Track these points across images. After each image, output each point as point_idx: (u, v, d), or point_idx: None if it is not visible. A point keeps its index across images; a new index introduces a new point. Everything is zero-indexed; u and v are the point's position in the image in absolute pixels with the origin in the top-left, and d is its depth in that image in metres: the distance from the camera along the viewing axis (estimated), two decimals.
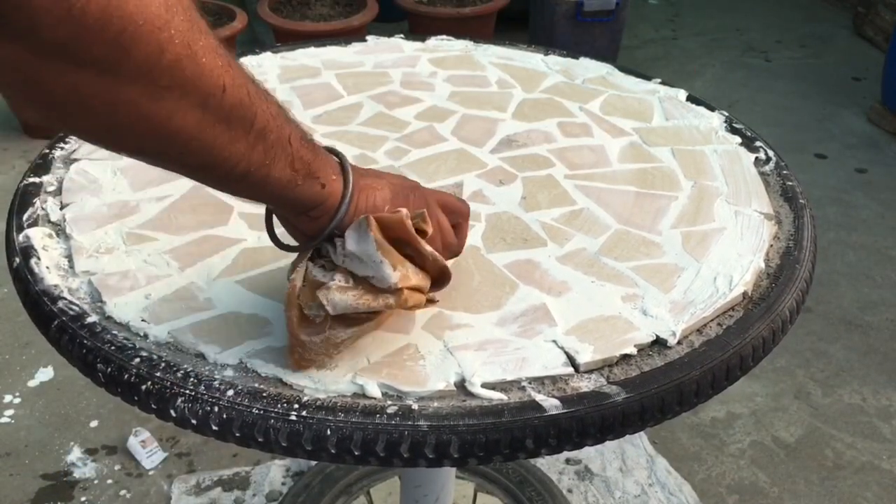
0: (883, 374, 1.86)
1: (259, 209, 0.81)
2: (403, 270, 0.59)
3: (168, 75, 0.44)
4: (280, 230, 0.63)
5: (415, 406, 0.59)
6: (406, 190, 0.63)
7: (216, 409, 0.59)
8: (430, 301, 0.64)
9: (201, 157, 0.50)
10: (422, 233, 0.61)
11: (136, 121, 0.45)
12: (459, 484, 1.39)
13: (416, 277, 0.60)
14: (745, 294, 0.71)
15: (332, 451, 0.57)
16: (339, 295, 0.58)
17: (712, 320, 0.69)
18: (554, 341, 0.65)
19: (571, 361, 0.63)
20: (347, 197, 0.58)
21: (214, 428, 0.59)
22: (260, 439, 0.58)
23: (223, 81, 0.47)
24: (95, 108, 0.44)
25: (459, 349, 0.64)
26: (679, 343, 0.66)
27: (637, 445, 1.61)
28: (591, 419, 0.59)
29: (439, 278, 0.64)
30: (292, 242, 0.63)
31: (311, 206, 0.58)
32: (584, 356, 0.63)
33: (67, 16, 0.39)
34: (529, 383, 0.61)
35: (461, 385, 0.61)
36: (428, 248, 0.61)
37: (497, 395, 0.60)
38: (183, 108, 0.46)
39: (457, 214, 0.68)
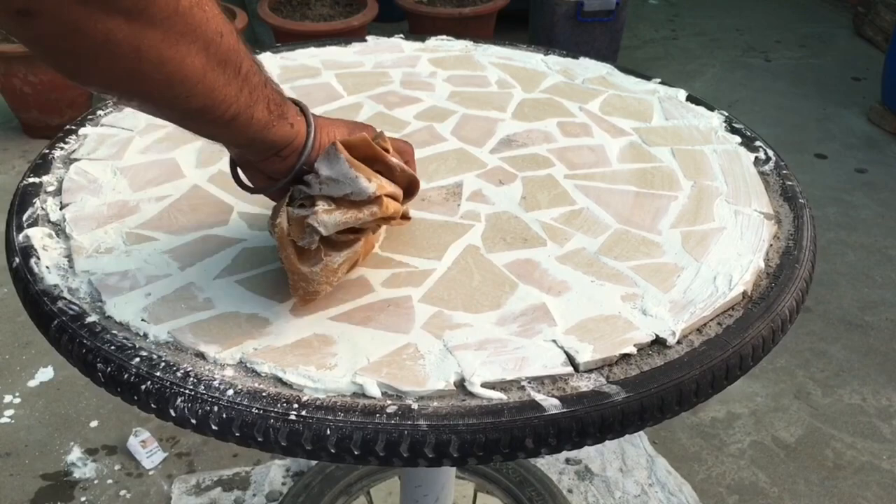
0: (883, 374, 1.86)
1: (259, 209, 0.81)
2: (377, 180, 0.64)
3: (182, 21, 0.50)
4: None
5: (414, 406, 0.59)
6: (359, 127, 0.69)
7: (216, 408, 0.59)
8: (405, 217, 0.71)
9: (202, 99, 0.54)
10: (383, 150, 0.67)
11: (156, 65, 0.50)
12: (459, 484, 1.39)
13: (390, 186, 0.66)
14: (744, 293, 0.71)
15: (332, 450, 0.57)
16: (327, 216, 0.62)
17: (712, 320, 0.68)
18: (553, 341, 0.65)
19: (571, 361, 0.63)
20: (312, 133, 0.63)
21: (214, 427, 0.59)
22: (259, 439, 0.58)
23: (221, 28, 0.53)
24: (123, 53, 0.48)
25: (459, 349, 0.64)
26: (679, 342, 0.66)
27: (637, 445, 1.61)
28: (590, 419, 0.59)
29: (409, 188, 0.70)
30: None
31: (283, 146, 0.62)
32: (584, 355, 0.63)
33: None
34: (529, 383, 0.61)
35: (461, 384, 0.61)
36: (394, 160, 0.67)
37: (497, 395, 0.60)
38: (193, 51, 0.51)
39: (404, 153, 0.73)
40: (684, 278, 0.73)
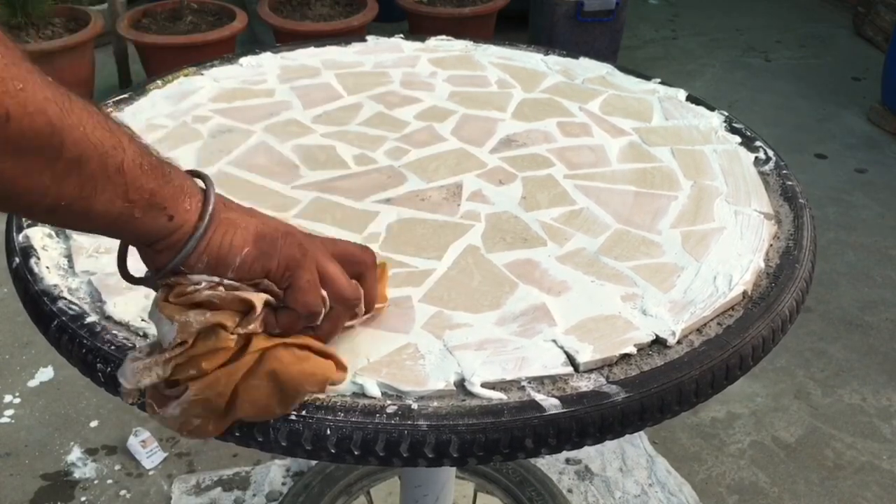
0: (883, 374, 1.86)
1: (259, 209, 0.81)
2: (182, 319, 0.53)
3: None
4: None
5: (414, 406, 0.59)
6: (276, 234, 0.56)
7: None
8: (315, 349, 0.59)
9: None
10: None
11: None
12: (459, 484, 1.39)
13: (200, 319, 0.54)
14: (744, 293, 0.71)
15: (332, 450, 0.57)
16: (131, 364, 0.55)
17: (712, 320, 0.68)
18: (553, 341, 0.65)
19: (571, 361, 0.63)
20: (200, 230, 0.52)
21: None
22: (259, 439, 0.58)
23: (6, 109, 0.42)
24: None
25: (459, 349, 0.64)
26: (679, 342, 0.66)
27: (637, 445, 1.61)
28: (590, 419, 0.59)
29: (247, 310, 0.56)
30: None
31: (154, 240, 0.52)
32: (584, 356, 0.63)
33: None
34: (529, 383, 0.61)
35: (461, 385, 0.61)
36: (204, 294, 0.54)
37: (496, 395, 0.60)
38: None
39: (357, 265, 0.62)
40: (684, 278, 0.73)
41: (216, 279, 0.54)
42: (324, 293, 0.58)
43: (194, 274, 0.53)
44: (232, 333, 0.54)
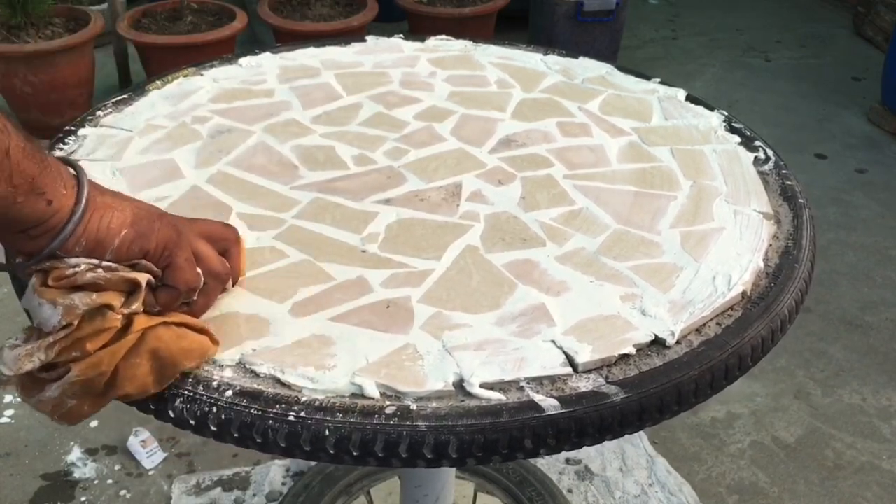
0: (883, 374, 1.86)
1: (260, 210, 0.81)
2: (66, 302, 0.54)
3: None
4: None
5: (413, 406, 0.59)
6: (151, 216, 0.58)
7: (214, 409, 0.59)
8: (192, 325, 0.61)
9: None
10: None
11: None
12: (459, 484, 1.39)
13: (115, 298, 0.56)
14: (743, 294, 0.71)
15: (331, 451, 0.57)
16: (9, 351, 0.54)
17: (711, 320, 0.68)
18: (552, 341, 0.65)
19: (570, 361, 0.63)
20: (78, 214, 0.53)
21: (213, 428, 0.59)
22: (258, 440, 0.58)
23: None
24: None
25: (458, 349, 0.64)
26: (678, 343, 0.65)
27: (637, 445, 1.61)
28: (589, 419, 0.59)
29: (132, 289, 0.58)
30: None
31: (32, 224, 0.53)
32: (583, 356, 0.63)
33: None
34: (528, 383, 0.61)
35: (460, 385, 0.61)
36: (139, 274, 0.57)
37: (495, 396, 0.60)
38: None
39: (224, 241, 0.66)
40: (683, 278, 0.73)
41: (94, 261, 0.55)
42: (198, 270, 0.62)
43: (71, 258, 0.54)
44: (117, 314, 0.56)
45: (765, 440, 1.68)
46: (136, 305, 0.57)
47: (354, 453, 0.57)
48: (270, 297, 0.69)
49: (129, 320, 0.57)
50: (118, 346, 0.56)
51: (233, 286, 0.69)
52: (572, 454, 1.57)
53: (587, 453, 1.58)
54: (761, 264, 0.75)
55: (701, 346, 0.65)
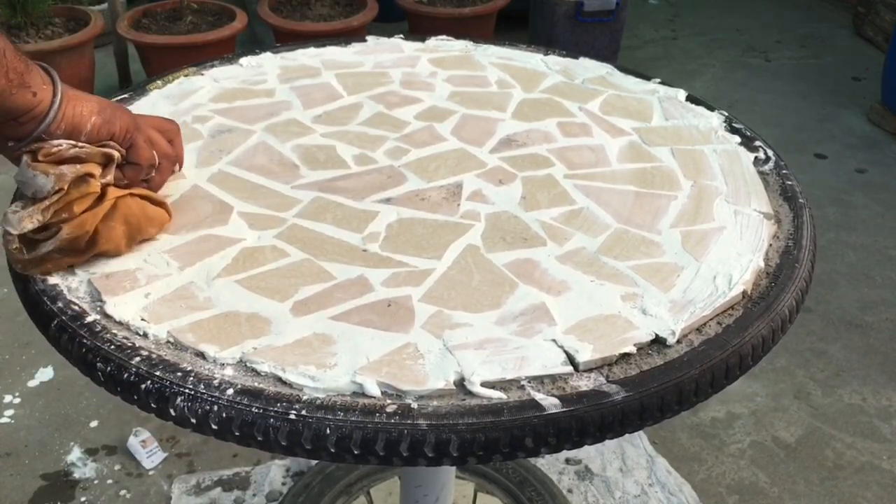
0: (883, 374, 1.86)
1: (261, 209, 0.81)
2: (59, 171, 0.67)
3: None
4: None
5: (414, 405, 0.59)
6: (113, 106, 0.72)
7: (216, 408, 0.59)
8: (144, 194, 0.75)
9: None
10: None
11: None
12: (459, 484, 1.39)
13: (95, 168, 0.70)
14: (744, 293, 0.71)
15: (332, 450, 0.57)
16: (13, 215, 0.67)
17: (711, 319, 0.68)
18: (553, 340, 0.65)
19: (571, 360, 0.63)
20: (57, 103, 0.67)
21: (214, 427, 0.59)
22: (259, 438, 0.58)
23: None
24: None
25: (459, 348, 0.64)
26: (678, 342, 0.66)
27: (637, 445, 1.61)
28: (590, 418, 0.59)
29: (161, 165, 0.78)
30: None
31: (22, 113, 0.65)
32: (584, 355, 0.63)
33: None
34: (529, 382, 0.61)
35: (461, 384, 0.61)
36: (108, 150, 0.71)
37: (496, 394, 0.60)
38: None
39: (168, 132, 0.81)
40: (684, 278, 0.73)
41: (72, 141, 0.69)
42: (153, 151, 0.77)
43: (53, 139, 0.68)
44: (97, 181, 0.70)
45: (765, 440, 1.68)
46: (110, 177, 0.71)
47: (355, 452, 0.57)
48: (271, 296, 0.69)
49: (104, 190, 0.70)
50: (98, 209, 0.69)
51: (179, 169, 0.84)
52: (572, 454, 1.57)
53: (587, 453, 1.58)
54: (762, 264, 0.75)
55: (701, 346, 0.65)
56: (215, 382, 0.60)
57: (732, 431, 1.69)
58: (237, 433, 0.58)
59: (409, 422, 0.57)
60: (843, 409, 1.76)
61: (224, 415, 0.58)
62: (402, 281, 0.71)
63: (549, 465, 1.54)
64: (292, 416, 0.58)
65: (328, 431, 0.57)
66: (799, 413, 1.75)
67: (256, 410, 0.58)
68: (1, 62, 0.61)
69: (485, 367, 0.62)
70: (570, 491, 1.50)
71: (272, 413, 0.58)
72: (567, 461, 1.56)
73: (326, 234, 0.78)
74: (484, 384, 0.60)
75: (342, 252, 0.75)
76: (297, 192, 0.85)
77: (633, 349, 0.64)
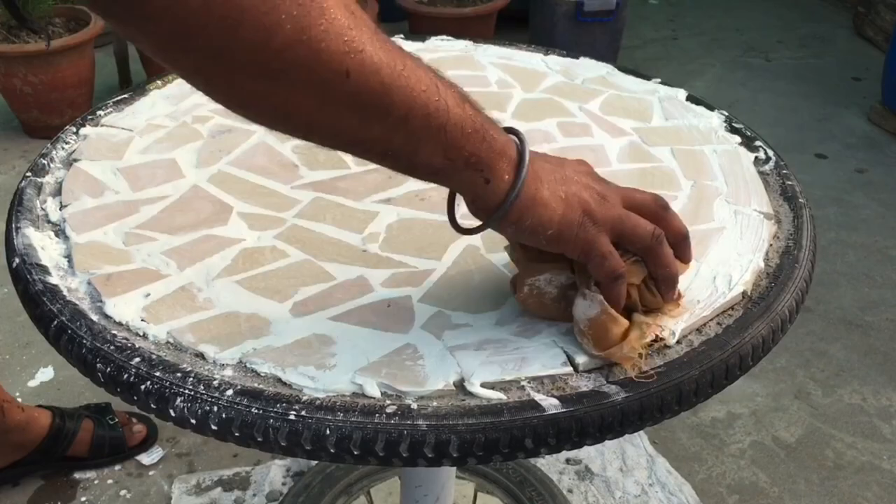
0: (883, 374, 1.86)
1: (260, 209, 0.81)
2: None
3: (278, 60, 0.46)
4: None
5: (414, 405, 0.59)
6: (574, 224, 0.59)
7: (215, 408, 0.59)
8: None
9: (329, 139, 0.53)
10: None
11: (256, 101, 0.49)
12: (459, 484, 1.39)
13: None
14: (744, 293, 0.71)
15: (332, 450, 0.57)
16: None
17: (711, 320, 0.68)
18: (553, 341, 0.65)
19: (570, 361, 0.63)
20: (507, 204, 0.57)
21: (214, 427, 0.59)
22: (259, 439, 0.58)
23: (346, 67, 0.48)
24: (218, 86, 0.48)
25: (458, 349, 0.64)
26: (678, 342, 0.65)
27: (637, 445, 1.61)
28: (590, 418, 0.59)
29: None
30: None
31: (471, 198, 0.59)
32: (583, 356, 0.63)
33: (173, 5, 0.43)
34: (529, 383, 0.61)
35: (460, 385, 0.61)
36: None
37: (496, 395, 0.60)
38: (298, 92, 0.48)
39: (651, 215, 0.64)
40: (684, 278, 0.72)
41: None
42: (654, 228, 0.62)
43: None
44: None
45: (765, 440, 1.68)
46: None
47: (355, 452, 0.57)
48: (271, 297, 0.69)
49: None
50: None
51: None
52: (572, 454, 1.57)
53: (587, 453, 1.58)
54: (762, 264, 0.75)
55: (701, 346, 0.65)
56: (215, 383, 0.60)
57: (733, 431, 1.69)
58: (237, 434, 0.58)
59: (408, 422, 0.57)
60: (843, 408, 1.76)
61: (224, 415, 0.58)
62: (401, 281, 0.71)
63: (550, 464, 1.54)
64: (292, 417, 0.58)
65: (328, 432, 0.57)
66: (799, 413, 1.75)
67: (256, 411, 0.58)
68: (436, 138, 0.53)
69: (484, 367, 0.62)
70: (570, 491, 1.50)
71: (272, 414, 0.58)
72: (567, 461, 1.57)
73: (326, 235, 0.78)
74: (484, 385, 0.60)
75: (342, 252, 0.75)
76: (296, 192, 0.85)
77: None
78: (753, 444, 1.67)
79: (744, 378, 0.68)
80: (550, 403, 0.59)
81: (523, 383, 0.61)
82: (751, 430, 1.70)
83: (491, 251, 0.76)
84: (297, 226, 0.79)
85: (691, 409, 0.65)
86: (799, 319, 0.74)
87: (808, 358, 1.90)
